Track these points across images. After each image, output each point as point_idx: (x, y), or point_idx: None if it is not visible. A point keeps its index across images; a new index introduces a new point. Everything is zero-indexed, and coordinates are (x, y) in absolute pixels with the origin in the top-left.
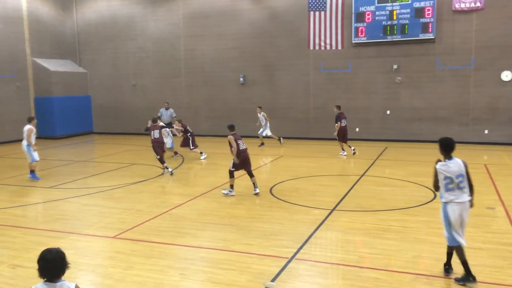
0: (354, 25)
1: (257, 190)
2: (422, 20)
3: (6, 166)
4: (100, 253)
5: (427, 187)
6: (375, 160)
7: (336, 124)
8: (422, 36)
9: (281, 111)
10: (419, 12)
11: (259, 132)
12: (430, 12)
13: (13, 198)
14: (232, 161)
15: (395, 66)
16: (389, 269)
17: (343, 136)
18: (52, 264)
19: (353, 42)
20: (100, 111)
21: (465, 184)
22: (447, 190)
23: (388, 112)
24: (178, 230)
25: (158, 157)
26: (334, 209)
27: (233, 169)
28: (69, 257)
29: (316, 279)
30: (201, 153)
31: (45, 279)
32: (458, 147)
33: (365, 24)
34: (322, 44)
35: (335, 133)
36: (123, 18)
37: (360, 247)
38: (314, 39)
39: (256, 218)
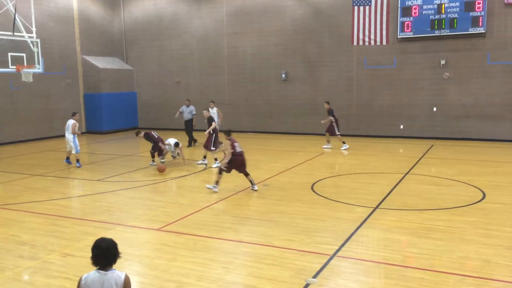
0: (400, 19)
1: (255, 187)
2: (472, 13)
3: (57, 159)
4: (145, 245)
5: (476, 187)
6: (420, 158)
7: (331, 118)
8: (472, 31)
9: (323, 107)
10: (469, 6)
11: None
12: (480, 5)
13: (63, 190)
14: (226, 160)
15: (442, 62)
16: (435, 270)
17: (334, 129)
18: (106, 252)
19: (398, 37)
20: (145, 107)
21: None
22: None
23: (434, 109)
24: (220, 225)
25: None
26: (377, 207)
27: (225, 168)
28: None
29: (358, 277)
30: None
31: (97, 267)
32: (509, 145)
33: (411, 19)
34: (366, 39)
35: (324, 121)
36: (168, 16)
37: (405, 246)
38: (358, 35)
39: (297, 215)
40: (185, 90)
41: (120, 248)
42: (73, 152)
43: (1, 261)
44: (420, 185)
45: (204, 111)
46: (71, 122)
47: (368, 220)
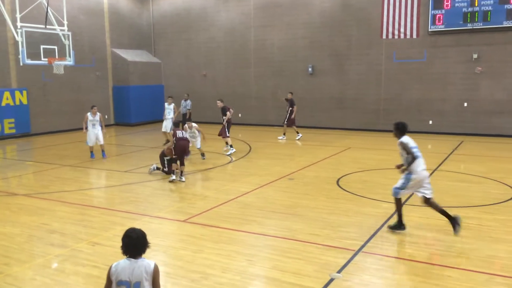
0: (431, 12)
1: (183, 178)
2: (507, 6)
3: (86, 150)
4: (171, 236)
5: (507, 185)
6: (449, 155)
7: (292, 109)
8: (506, 24)
9: (350, 101)
10: None
11: (165, 130)
12: None
13: (92, 180)
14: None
15: (475, 56)
16: (462, 268)
17: (294, 121)
18: (136, 242)
19: (429, 30)
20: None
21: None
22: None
23: (465, 104)
24: (245, 217)
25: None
26: (404, 203)
27: (174, 156)
28: None
29: (383, 273)
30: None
31: (127, 256)
32: None
33: (443, 11)
34: (396, 32)
35: (293, 117)
36: (196, 9)
37: (432, 243)
38: (388, 28)
39: (322, 209)
40: (211, 83)
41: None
42: (101, 143)
43: (32, 248)
44: (449, 182)
45: (218, 102)
46: (99, 115)
47: (394, 216)
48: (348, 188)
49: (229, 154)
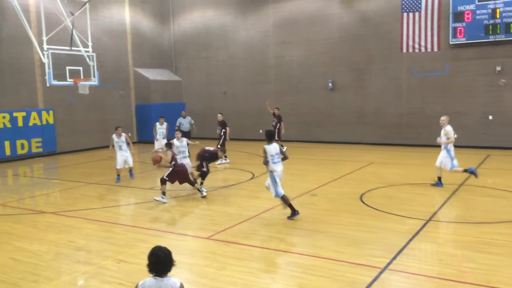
0: (452, 25)
1: (204, 193)
2: None
3: (111, 168)
4: (195, 253)
5: None
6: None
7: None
8: None
9: (371, 116)
10: None
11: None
12: None
13: (116, 197)
14: (168, 170)
15: (498, 68)
16: (492, 286)
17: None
18: (163, 260)
19: (450, 43)
20: (193, 117)
21: (279, 159)
22: (273, 163)
23: (490, 117)
24: (268, 234)
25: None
26: (430, 219)
27: (167, 178)
28: None
29: None
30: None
31: (153, 274)
32: None
33: (464, 24)
34: (416, 46)
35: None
36: (216, 28)
37: (460, 260)
38: (408, 41)
39: (346, 226)
40: (232, 100)
41: None
42: (130, 166)
43: (59, 266)
44: (475, 197)
45: (219, 115)
46: (124, 136)
47: (420, 232)
48: (372, 204)
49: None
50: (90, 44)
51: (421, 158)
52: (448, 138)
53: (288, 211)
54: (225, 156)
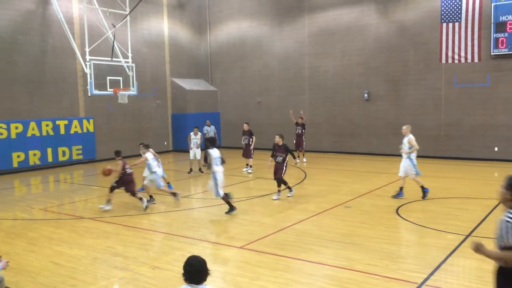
0: (493, 35)
1: (145, 204)
2: None
3: None
4: (228, 262)
5: None
6: None
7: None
8: None
9: None
10: None
11: (193, 157)
12: None
13: (152, 205)
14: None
15: None
16: None
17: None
18: (198, 269)
19: (492, 54)
20: (228, 126)
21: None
22: (216, 165)
23: None
24: (302, 245)
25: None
26: (469, 234)
27: (115, 184)
28: None
29: None
30: (249, 165)
31: (188, 282)
32: None
33: (506, 34)
34: (456, 57)
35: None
36: (251, 39)
37: None
38: (447, 52)
39: (381, 239)
40: (266, 110)
41: None
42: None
43: (97, 270)
44: None
45: (245, 125)
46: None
47: (459, 248)
48: (408, 218)
49: (247, 171)
50: (130, 55)
51: (460, 171)
52: (410, 147)
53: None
54: (250, 166)
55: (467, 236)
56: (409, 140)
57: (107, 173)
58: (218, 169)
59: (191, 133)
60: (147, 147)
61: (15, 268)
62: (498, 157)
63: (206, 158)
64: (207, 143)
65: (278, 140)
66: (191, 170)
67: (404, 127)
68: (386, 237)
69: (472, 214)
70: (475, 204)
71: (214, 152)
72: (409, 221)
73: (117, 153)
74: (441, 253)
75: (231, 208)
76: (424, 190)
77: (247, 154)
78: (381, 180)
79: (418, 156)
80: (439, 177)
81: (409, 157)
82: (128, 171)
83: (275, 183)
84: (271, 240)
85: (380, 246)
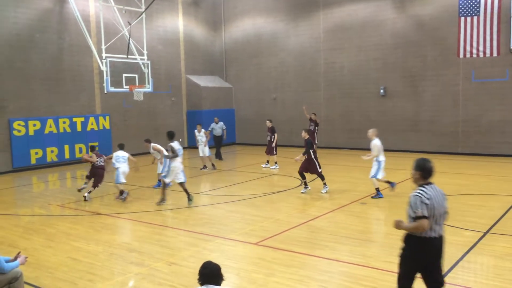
0: None
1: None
2: None
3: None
4: (243, 258)
5: None
6: None
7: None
8: None
9: (425, 124)
10: None
11: (202, 154)
12: None
13: (168, 201)
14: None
15: None
16: None
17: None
18: (214, 273)
19: (511, 48)
20: (243, 123)
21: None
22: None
23: None
24: (317, 242)
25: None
26: (488, 231)
27: (88, 174)
28: (215, 259)
29: None
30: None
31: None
32: None
33: None
34: (474, 51)
35: (273, 145)
36: (266, 35)
37: None
38: (465, 47)
39: (397, 236)
40: (281, 107)
41: (219, 260)
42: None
43: (114, 266)
44: None
45: (267, 122)
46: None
47: (477, 245)
48: None
49: (270, 168)
50: (145, 52)
51: (478, 168)
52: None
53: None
54: (268, 162)
55: (485, 233)
56: (372, 145)
57: (83, 160)
58: (177, 160)
59: (195, 131)
60: (148, 141)
61: (34, 264)
62: None
63: (218, 154)
64: (168, 136)
65: (303, 134)
66: (204, 166)
67: (369, 131)
68: (402, 234)
69: (490, 210)
70: (493, 201)
71: (175, 145)
72: None
73: (92, 148)
74: (459, 250)
75: (162, 199)
76: (378, 194)
77: (269, 150)
78: (397, 176)
79: (437, 152)
80: (457, 173)
81: (377, 160)
82: (97, 164)
83: (290, 179)
84: (286, 237)
85: (396, 243)
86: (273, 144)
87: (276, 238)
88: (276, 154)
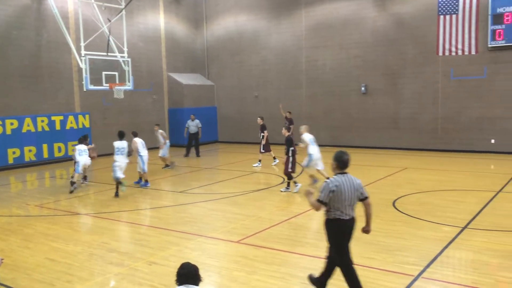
0: (490, 27)
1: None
2: None
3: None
4: (225, 256)
5: None
6: None
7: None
8: None
9: (405, 121)
10: None
11: (160, 154)
12: None
13: (148, 200)
14: None
15: None
16: None
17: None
18: (193, 273)
19: (489, 46)
20: (225, 121)
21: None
22: (116, 154)
23: None
24: (298, 239)
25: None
26: (466, 227)
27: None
28: (197, 258)
29: None
30: (274, 158)
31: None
32: None
33: (503, 26)
34: (453, 49)
35: (263, 143)
36: (248, 33)
37: (496, 270)
38: (444, 45)
39: (378, 232)
40: (263, 104)
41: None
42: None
43: (93, 266)
44: None
45: (258, 119)
46: (139, 140)
47: (455, 240)
48: (405, 210)
49: (275, 164)
50: (125, 49)
51: (456, 164)
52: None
53: None
54: (274, 157)
55: (463, 228)
56: (302, 138)
57: (94, 158)
58: (119, 158)
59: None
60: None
61: (11, 265)
62: (495, 150)
63: (196, 151)
64: (118, 136)
65: (283, 132)
66: (166, 165)
67: (301, 127)
68: (383, 230)
69: (468, 206)
70: (471, 196)
71: (118, 144)
72: (405, 213)
73: (85, 137)
74: (438, 245)
75: (116, 193)
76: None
77: (263, 148)
78: (378, 173)
79: (417, 149)
80: (436, 170)
81: (308, 153)
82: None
83: (272, 177)
84: (268, 234)
85: (377, 239)
86: (263, 142)
87: (257, 236)
88: (265, 152)
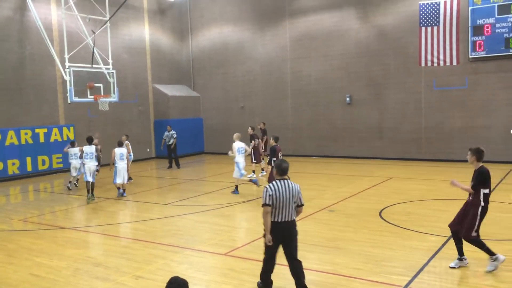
0: (471, 39)
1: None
2: None
3: (128, 184)
4: (212, 269)
5: None
6: (497, 184)
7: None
8: None
9: (390, 131)
10: None
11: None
12: None
13: (134, 213)
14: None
15: None
16: None
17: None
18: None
19: (470, 57)
20: (211, 132)
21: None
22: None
23: None
24: None
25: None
26: (451, 236)
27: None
28: (184, 271)
29: None
30: (262, 169)
31: None
32: None
33: (483, 38)
34: (435, 60)
35: (248, 152)
36: (233, 44)
37: (483, 279)
38: (426, 56)
39: (365, 242)
40: (249, 115)
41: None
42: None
43: (78, 281)
44: (498, 213)
45: (249, 128)
46: (124, 150)
47: (442, 250)
48: (391, 220)
49: (250, 178)
50: (110, 61)
51: (440, 173)
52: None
53: None
54: (262, 169)
55: (449, 238)
56: (233, 146)
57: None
58: (89, 162)
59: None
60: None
61: None
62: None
63: (176, 162)
64: (87, 141)
65: (270, 141)
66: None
67: (234, 135)
68: (370, 241)
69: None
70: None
71: (87, 148)
72: (392, 223)
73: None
74: (424, 255)
75: (89, 194)
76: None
77: (254, 158)
78: (364, 183)
79: (401, 159)
80: (421, 179)
81: (236, 162)
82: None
83: (259, 188)
84: (255, 246)
85: (364, 249)
86: (248, 152)
87: (245, 248)
88: (257, 162)
